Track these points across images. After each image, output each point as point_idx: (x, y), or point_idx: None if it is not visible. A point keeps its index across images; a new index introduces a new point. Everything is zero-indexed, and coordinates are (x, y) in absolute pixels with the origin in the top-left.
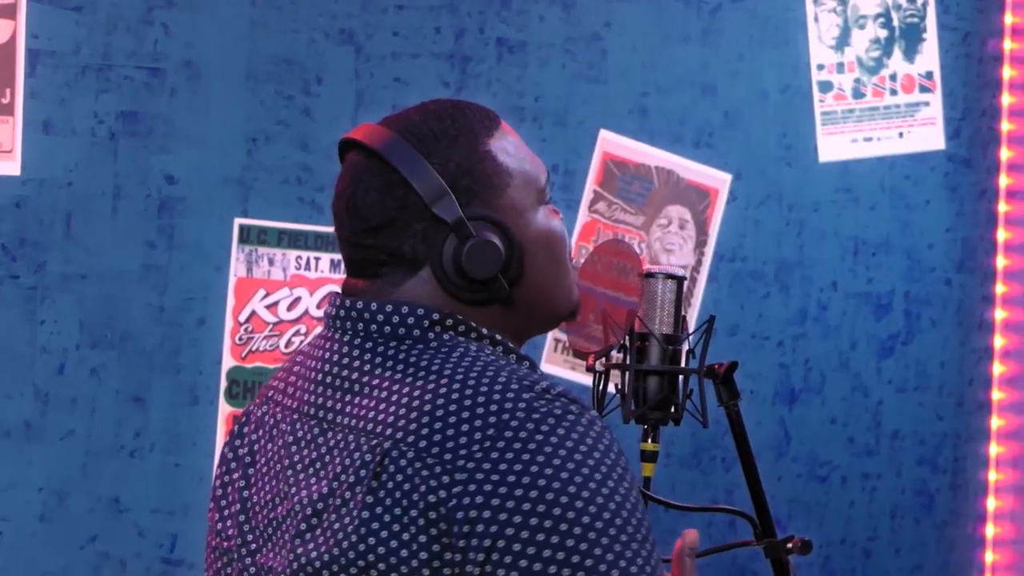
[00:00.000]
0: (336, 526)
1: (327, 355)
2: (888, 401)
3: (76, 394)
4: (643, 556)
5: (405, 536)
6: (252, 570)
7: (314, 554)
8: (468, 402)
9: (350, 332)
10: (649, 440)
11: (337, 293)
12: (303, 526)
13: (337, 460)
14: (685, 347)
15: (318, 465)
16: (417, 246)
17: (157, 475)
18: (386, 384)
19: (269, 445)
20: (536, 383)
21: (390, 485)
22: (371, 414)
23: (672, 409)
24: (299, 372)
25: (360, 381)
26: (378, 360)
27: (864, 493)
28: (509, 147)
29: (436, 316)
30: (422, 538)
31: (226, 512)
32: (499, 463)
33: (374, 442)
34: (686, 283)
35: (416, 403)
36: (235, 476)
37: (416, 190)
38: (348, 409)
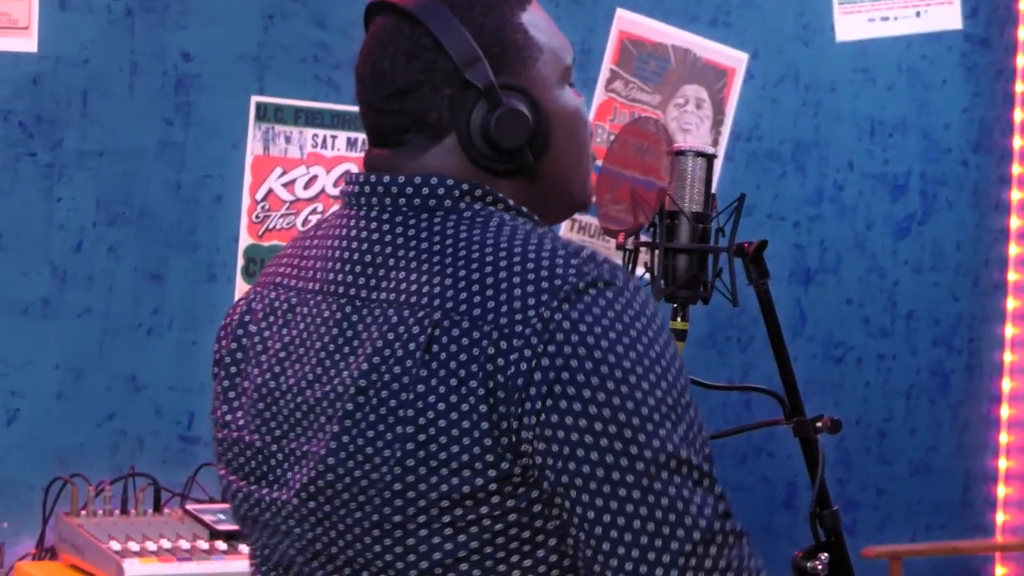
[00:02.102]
0: (392, 403)
1: (352, 232)
2: (904, 281)
3: (93, 271)
4: (686, 421)
5: (464, 406)
6: (279, 456)
7: (371, 433)
8: (518, 267)
9: (376, 208)
10: (679, 319)
11: (355, 172)
12: (349, 406)
13: (376, 335)
14: (714, 226)
15: (355, 343)
16: (443, 112)
17: (174, 353)
18: (424, 256)
19: (285, 330)
20: (581, 248)
21: (443, 356)
22: (412, 287)
23: (702, 288)
24: (315, 254)
25: (395, 255)
26: (411, 233)
27: (879, 373)
28: (540, 23)
29: (466, 186)
30: (482, 407)
31: (235, 404)
32: (551, 325)
33: (420, 314)
34: (716, 161)
35: (463, 272)
36: (244, 367)
37: (448, 53)
38: (384, 284)
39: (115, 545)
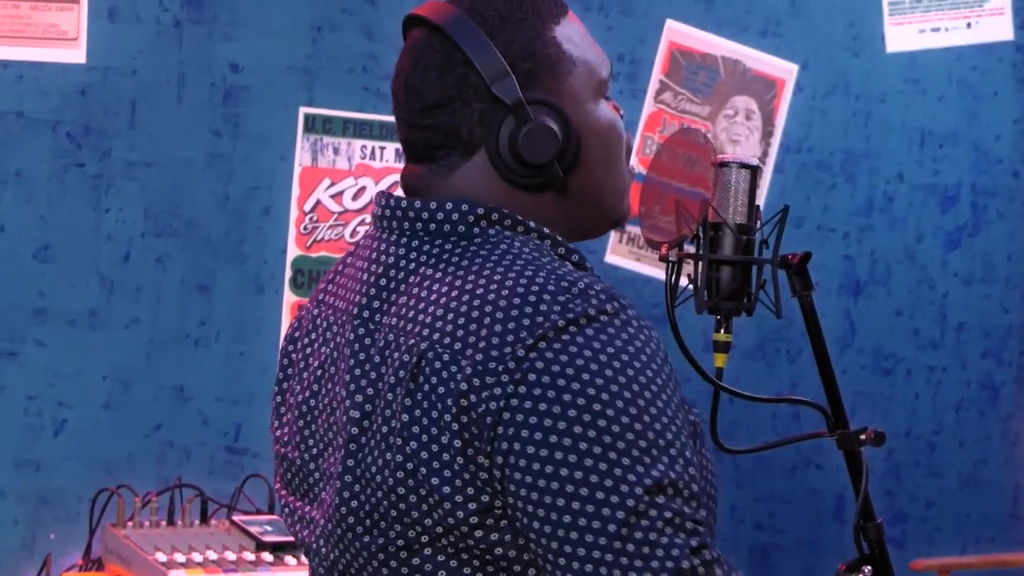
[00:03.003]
0: (384, 429)
1: (374, 255)
2: (954, 293)
3: (141, 282)
4: (664, 461)
5: (443, 439)
6: (316, 475)
7: (369, 459)
8: (504, 303)
9: (397, 231)
10: (722, 331)
11: (385, 193)
12: (354, 430)
13: (378, 361)
14: (758, 237)
15: (367, 367)
16: (474, 128)
17: (222, 364)
18: (426, 283)
19: (323, 348)
20: (575, 282)
21: (426, 388)
22: (410, 314)
23: (745, 300)
24: (348, 273)
25: (406, 281)
26: (422, 259)
27: (929, 386)
28: (575, 36)
29: (481, 211)
30: (457, 442)
31: (285, 419)
32: (524, 365)
33: (411, 343)
34: (760, 173)
35: (453, 304)
36: (292, 383)
37: (477, 68)
38: (391, 309)
39: (161, 556)
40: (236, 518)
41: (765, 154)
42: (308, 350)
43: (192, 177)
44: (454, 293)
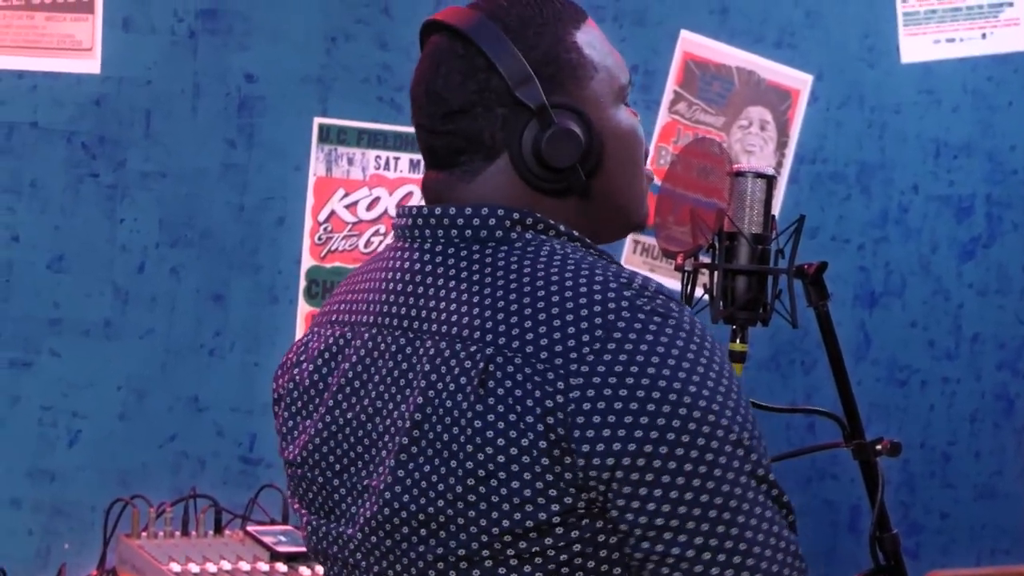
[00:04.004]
0: (445, 437)
1: (404, 264)
2: (969, 304)
3: (156, 292)
4: (759, 451)
5: (524, 442)
6: (343, 491)
7: (427, 467)
8: (570, 303)
9: (430, 240)
10: (738, 340)
11: (406, 205)
12: (405, 440)
13: (428, 368)
14: (774, 247)
15: (410, 376)
16: (496, 132)
17: (236, 374)
18: (476, 288)
19: (345, 365)
20: (632, 279)
21: (500, 392)
22: (464, 319)
23: (761, 309)
24: (367, 287)
25: (447, 287)
26: (463, 264)
27: (944, 397)
28: (595, 41)
29: (516, 216)
30: (542, 443)
31: (300, 440)
32: (614, 364)
33: (472, 348)
34: (776, 182)
35: (514, 306)
36: (304, 405)
37: (501, 73)
38: (435, 316)
39: (175, 567)
40: (250, 528)
41: (779, 165)
42: (324, 371)
43: (207, 187)
44: (512, 296)
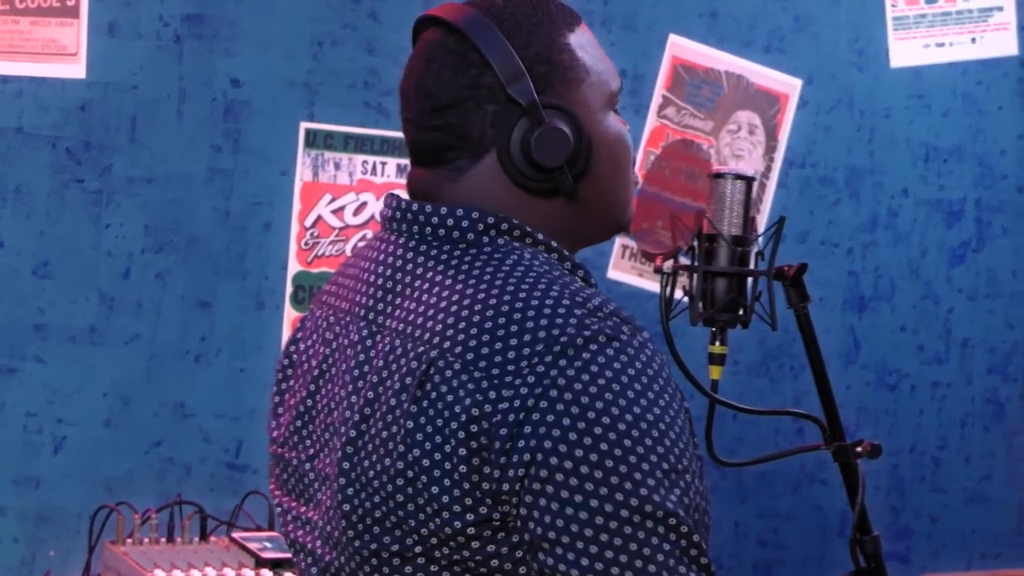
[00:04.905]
0: (384, 434)
1: (382, 256)
2: (958, 309)
3: (141, 298)
4: (680, 487)
5: (447, 448)
6: (311, 475)
7: (366, 463)
8: (518, 315)
9: (406, 234)
10: (717, 343)
11: (394, 194)
12: (352, 432)
13: (381, 364)
14: (754, 249)
15: (365, 368)
16: (485, 129)
17: (222, 380)
18: (436, 289)
19: (323, 349)
20: (588, 299)
21: (434, 396)
22: (419, 320)
23: (740, 311)
24: (352, 274)
25: (412, 284)
26: (430, 264)
27: (934, 401)
28: (588, 46)
29: (491, 220)
30: (462, 451)
31: (283, 419)
32: (544, 380)
33: (420, 349)
34: (755, 184)
35: (465, 312)
36: (291, 383)
37: (494, 68)
38: (396, 312)
39: (160, 573)
40: (236, 535)
41: (768, 169)
42: (310, 351)
43: (192, 192)
44: (465, 301)
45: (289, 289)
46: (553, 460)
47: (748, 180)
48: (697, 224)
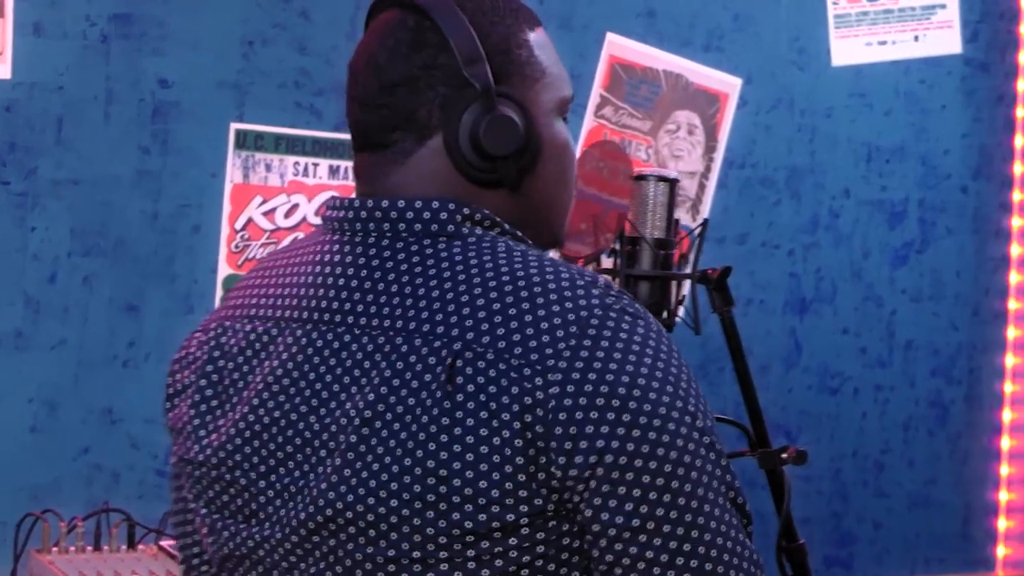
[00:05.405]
0: (403, 435)
1: (338, 258)
2: (902, 311)
3: (68, 302)
4: (716, 451)
5: (496, 440)
6: (270, 493)
7: (376, 466)
8: (540, 299)
9: (374, 234)
10: None
11: (339, 197)
12: (353, 438)
13: (383, 365)
14: (680, 252)
15: (356, 373)
16: (434, 111)
17: (151, 385)
18: (434, 283)
19: (267, 363)
20: (596, 278)
21: (470, 389)
22: (423, 315)
23: (665, 315)
24: (295, 282)
25: (399, 281)
26: (415, 259)
27: (877, 405)
28: (547, 48)
29: (467, 211)
30: (517, 442)
31: (213, 439)
32: (592, 362)
33: (436, 344)
34: (679, 185)
35: (481, 302)
36: (220, 403)
37: (452, 49)
38: (388, 311)
39: None
40: (164, 543)
41: (708, 169)
42: (245, 368)
43: (120, 195)
44: (476, 291)
45: (219, 292)
46: (624, 448)
47: (671, 182)
48: (618, 225)
